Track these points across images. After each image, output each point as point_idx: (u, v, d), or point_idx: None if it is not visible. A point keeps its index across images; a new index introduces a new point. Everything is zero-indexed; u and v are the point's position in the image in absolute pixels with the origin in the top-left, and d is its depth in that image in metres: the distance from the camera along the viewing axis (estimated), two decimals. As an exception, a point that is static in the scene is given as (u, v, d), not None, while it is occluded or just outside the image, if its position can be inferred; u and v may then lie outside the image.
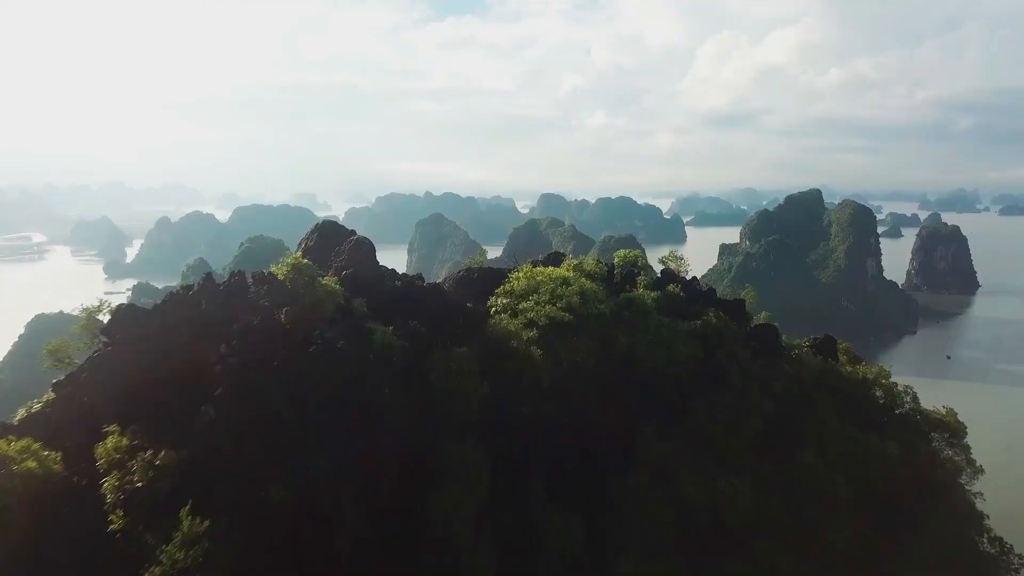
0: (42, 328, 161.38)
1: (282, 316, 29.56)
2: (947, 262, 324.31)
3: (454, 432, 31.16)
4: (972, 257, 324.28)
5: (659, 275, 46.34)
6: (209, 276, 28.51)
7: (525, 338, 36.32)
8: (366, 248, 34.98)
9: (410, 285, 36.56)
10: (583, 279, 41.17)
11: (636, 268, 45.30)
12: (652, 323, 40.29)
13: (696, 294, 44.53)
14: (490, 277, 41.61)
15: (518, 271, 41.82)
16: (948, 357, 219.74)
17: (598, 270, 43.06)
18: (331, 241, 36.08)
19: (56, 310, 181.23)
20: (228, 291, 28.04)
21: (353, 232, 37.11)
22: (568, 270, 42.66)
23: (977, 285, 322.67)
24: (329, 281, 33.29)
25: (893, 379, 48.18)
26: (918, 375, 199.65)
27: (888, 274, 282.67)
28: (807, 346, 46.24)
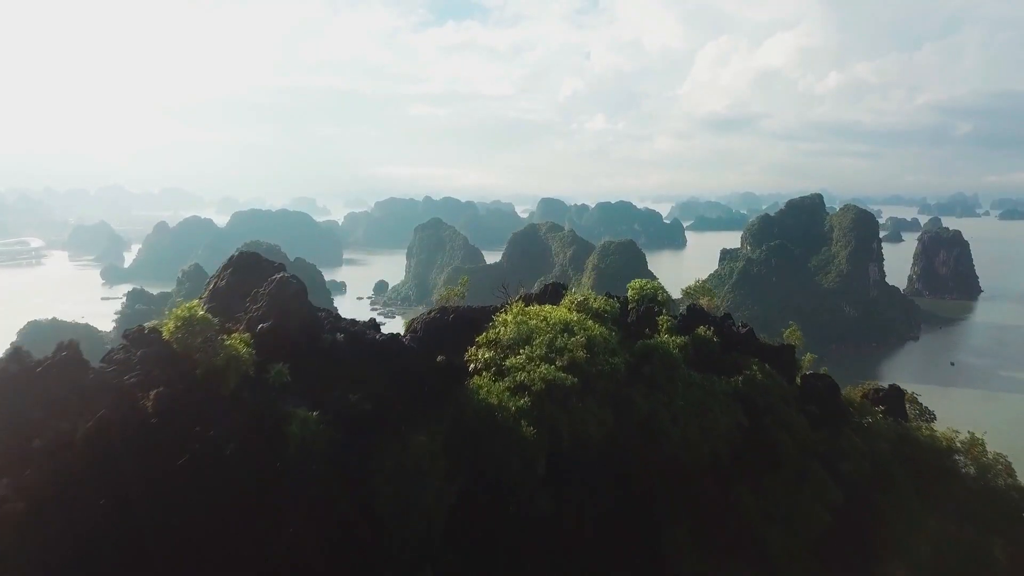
0: (35, 335, 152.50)
1: (149, 402, 19.35)
2: (949, 267, 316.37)
3: (407, 563, 21.03)
4: (973, 262, 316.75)
5: (684, 312, 36.02)
6: (16, 353, 18.25)
7: (513, 409, 26.12)
8: (293, 289, 24.68)
9: (358, 337, 26.27)
10: (589, 321, 30.95)
11: (656, 304, 35.00)
12: (681, 381, 30.08)
13: (732, 338, 34.20)
14: (470, 319, 31.39)
15: (506, 312, 31.53)
16: (952, 364, 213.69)
17: (608, 308, 32.77)
18: (250, 279, 25.91)
19: (50, 316, 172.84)
20: (52, 372, 17.80)
21: (281, 267, 26.81)
22: (570, 309, 32.39)
23: (979, 290, 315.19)
24: (237, 339, 23.08)
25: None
26: (922, 382, 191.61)
27: (889, 279, 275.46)
28: (868, 399, 35.94)
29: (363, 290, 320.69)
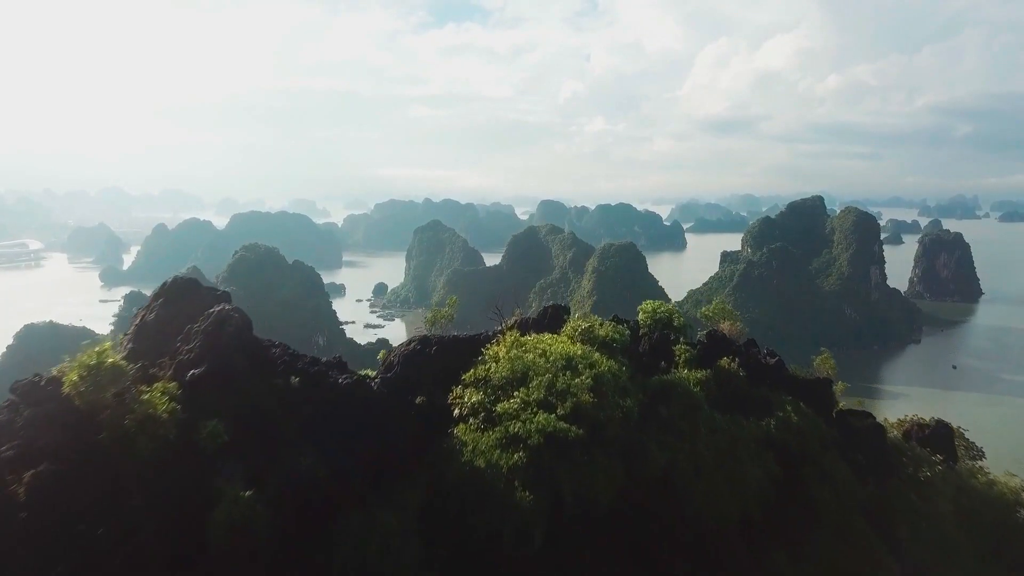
0: (32, 338, 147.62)
1: (22, 487, 14.55)
2: (950, 269, 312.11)
3: None
4: (975, 264, 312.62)
5: (703, 338, 31.14)
6: None
7: (505, 467, 21.34)
8: (235, 325, 19.84)
9: (318, 381, 21.44)
10: (595, 354, 26.12)
11: (672, 330, 30.11)
12: (703, 425, 25.31)
13: (759, 369, 29.34)
14: (455, 350, 26.55)
15: (497, 343, 26.70)
16: (954, 367, 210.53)
17: (617, 336, 27.89)
18: (187, 311, 21.11)
19: (47, 319, 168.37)
20: None
21: (223, 296, 21.89)
22: (572, 339, 27.54)
23: (980, 292, 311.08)
24: (159, 391, 18.28)
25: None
26: (925, 386, 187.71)
27: (890, 281, 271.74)
28: (911, 436, 31.09)
29: (362, 292, 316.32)
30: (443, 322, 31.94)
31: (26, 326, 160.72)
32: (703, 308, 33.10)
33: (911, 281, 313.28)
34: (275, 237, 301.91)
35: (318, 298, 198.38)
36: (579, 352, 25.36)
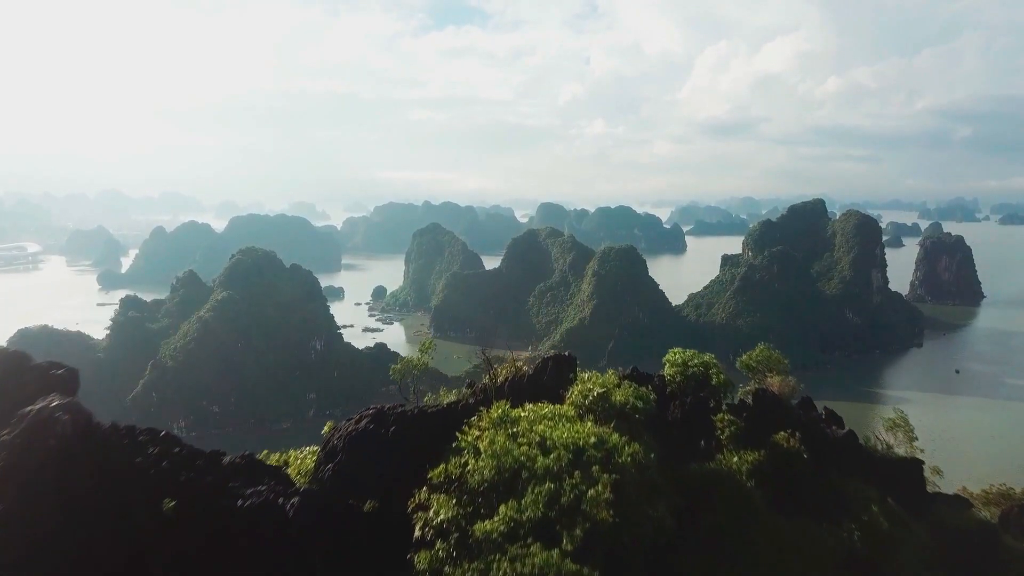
0: (26, 343, 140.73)
1: None
2: (951, 272, 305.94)
3: None
4: (976, 267, 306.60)
5: (747, 397, 23.63)
6: None
7: (485, 633, 13.99)
8: (60, 435, 12.43)
9: (207, 501, 14.01)
10: (613, 436, 18.71)
11: (710, 389, 22.62)
12: (763, 537, 17.94)
13: (824, 444, 21.91)
14: (422, 429, 19.16)
15: (479, 418, 19.24)
16: (957, 371, 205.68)
17: (639, 404, 20.41)
18: (7, 399, 13.74)
19: (42, 323, 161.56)
20: None
21: (65, 379, 14.27)
22: (580, 411, 20.07)
23: (982, 296, 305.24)
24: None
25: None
26: (928, 390, 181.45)
27: (891, 284, 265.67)
28: (1009, 520, 23.73)
29: (361, 295, 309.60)
30: (414, 375, 24.58)
31: (20, 330, 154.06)
32: (743, 357, 25.51)
33: (912, 284, 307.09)
34: (274, 240, 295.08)
35: (316, 301, 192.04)
36: (591, 438, 17.94)
